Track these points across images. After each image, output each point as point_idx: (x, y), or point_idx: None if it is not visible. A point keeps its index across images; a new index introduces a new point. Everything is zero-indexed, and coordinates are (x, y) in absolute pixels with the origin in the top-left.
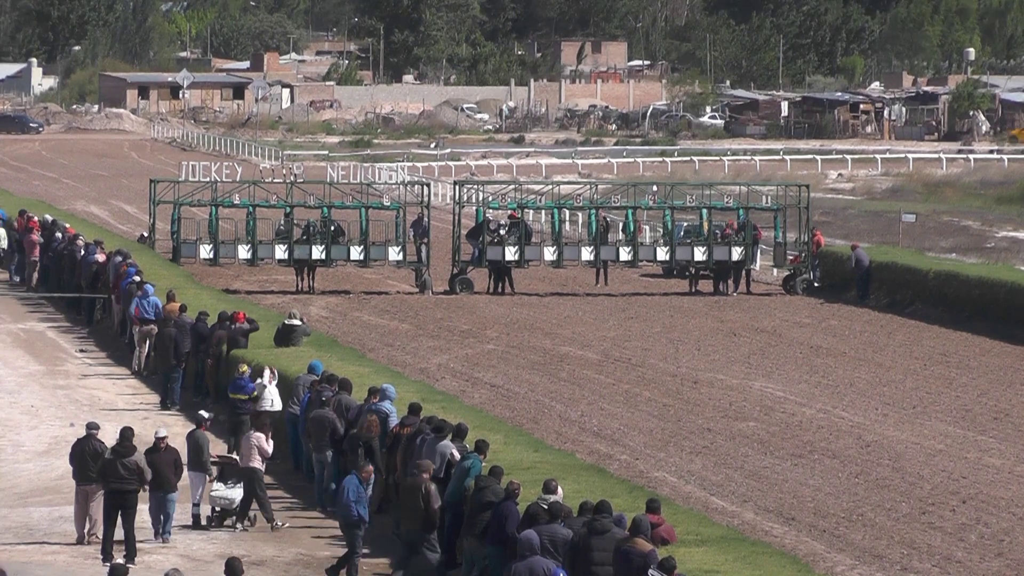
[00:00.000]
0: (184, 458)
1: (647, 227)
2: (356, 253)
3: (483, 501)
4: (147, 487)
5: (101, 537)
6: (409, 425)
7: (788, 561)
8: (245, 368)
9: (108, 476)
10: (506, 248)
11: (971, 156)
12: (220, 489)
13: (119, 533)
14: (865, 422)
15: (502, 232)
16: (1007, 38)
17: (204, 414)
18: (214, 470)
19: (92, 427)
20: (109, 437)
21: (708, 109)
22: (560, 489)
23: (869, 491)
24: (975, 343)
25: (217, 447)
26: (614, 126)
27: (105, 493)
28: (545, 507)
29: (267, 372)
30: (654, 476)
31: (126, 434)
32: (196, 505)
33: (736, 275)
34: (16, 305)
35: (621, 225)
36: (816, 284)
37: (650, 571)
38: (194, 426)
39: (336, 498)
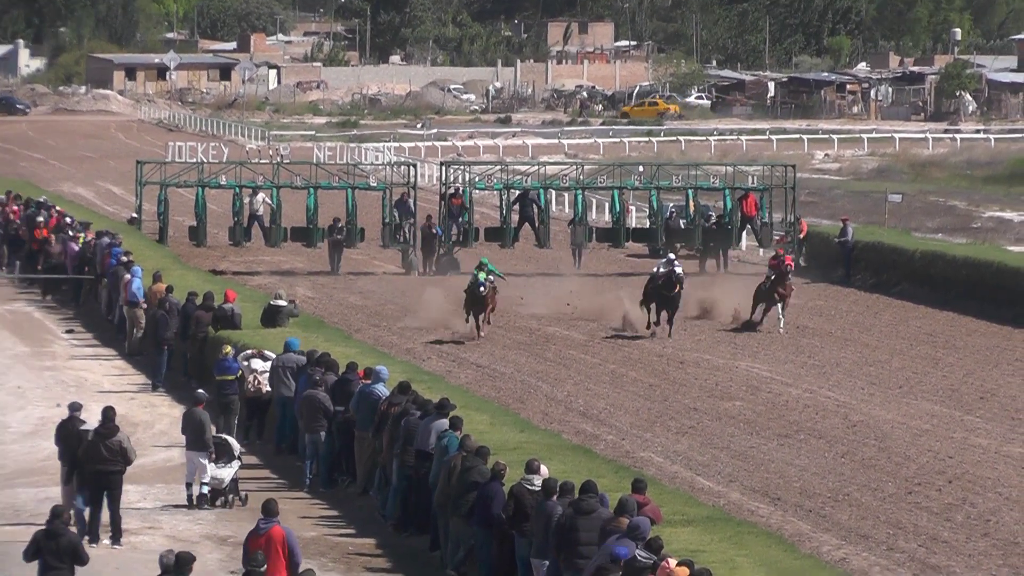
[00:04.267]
0: (122, 444)
1: (633, 207)
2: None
3: (469, 482)
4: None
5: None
6: (396, 404)
7: (774, 541)
8: (229, 349)
9: (91, 458)
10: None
11: (957, 136)
12: (209, 469)
13: (105, 515)
14: (851, 402)
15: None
16: (1000, 21)
17: (203, 393)
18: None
19: (74, 407)
20: (96, 418)
21: (695, 89)
22: (544, 468)
23: (855, 471)
24: (961, 323)
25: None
26: (599, 107)
27: (89, 475)
28: (531, 487)
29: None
30: (640, 456)
31: (108, 415)
32: (191, 485)
33: (719, 255)
34: (2, 287)
35: (608, 206)
36: (803, 264)
37: (636, 551)
38: (188, 405)
39: None
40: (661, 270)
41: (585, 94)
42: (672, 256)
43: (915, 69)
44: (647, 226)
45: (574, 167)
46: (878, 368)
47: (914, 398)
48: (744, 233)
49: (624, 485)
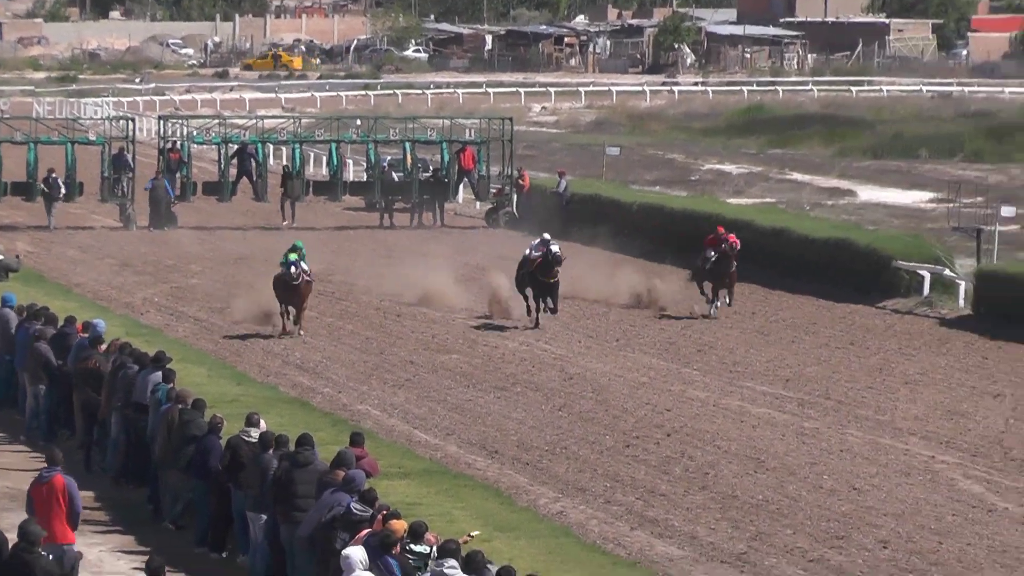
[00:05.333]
0: None
1: (351, 161)
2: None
3: (187, 435)
4: None
5: None
6: (87, 359)
7: (491, 494)
8: None
9: None
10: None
11: (675, 88)
12: None
13: None
14: (568, 355)
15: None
16: None
17: None
18: None
19: None
20: None
21: (412, 43)
22: (263, 423)
23: (573, 424)
24: (679, 276)
25: None
26: (318, 60)
27: None
28: (248, 439)
29: None
30: (357, 409)
31: None
32: None
33: (436, 208)
34: None
35: (325, 159)
36: (517, 216)
37: (351, 503)
38: None
39: None
40: (534, 252)
41: (303, 48)
42: (547, 236)
43: (633, 22)
44: (364, 179)
45: (291, 121)
46: (595, 321)
47: (631, 351)
48: (461, 186)
49: (342, 438)
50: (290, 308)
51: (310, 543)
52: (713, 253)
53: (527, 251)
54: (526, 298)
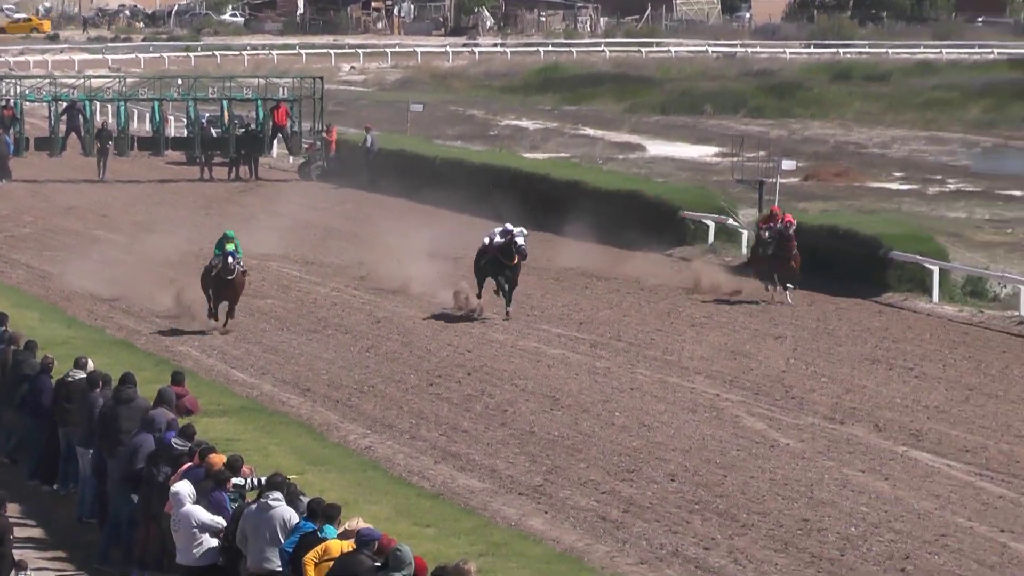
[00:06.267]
0: None
1: (172, 118)
2: None
3: (20, 375)
4: None
5: None
6: None
7: (303, 430)
8: None
9: None
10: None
11: (476, 50)
12: None
13: None
14: (376, 300)
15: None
16: None
17: None
18: None
19: None
20: None
21: (229, 7)
22: (91, 363)
23: (380, 364)
24: (480, 226)
25: None
26: (142, 24)
27: None
28: (76, 379)
29: None
30: (179, 350)
31: None
32: None
33: (251, 162)
34: None
35: (148, 116)
36: (325, 166)
37: (171, 439)
38: None
39: None
40: (497, 240)
41: (127, 12)
42: (509, 225)
43: None
44: (185, 135)
45: (117, 80)
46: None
47: (434, 296)
48: (275, 142)
49: (164, 377)
50: (219, 302)
51: (126, 481)
52: (768, 235)
53: (486, 239)
54: (480, 285)
